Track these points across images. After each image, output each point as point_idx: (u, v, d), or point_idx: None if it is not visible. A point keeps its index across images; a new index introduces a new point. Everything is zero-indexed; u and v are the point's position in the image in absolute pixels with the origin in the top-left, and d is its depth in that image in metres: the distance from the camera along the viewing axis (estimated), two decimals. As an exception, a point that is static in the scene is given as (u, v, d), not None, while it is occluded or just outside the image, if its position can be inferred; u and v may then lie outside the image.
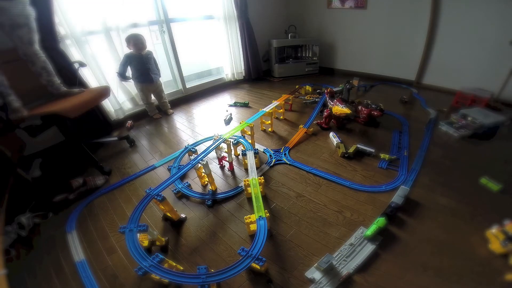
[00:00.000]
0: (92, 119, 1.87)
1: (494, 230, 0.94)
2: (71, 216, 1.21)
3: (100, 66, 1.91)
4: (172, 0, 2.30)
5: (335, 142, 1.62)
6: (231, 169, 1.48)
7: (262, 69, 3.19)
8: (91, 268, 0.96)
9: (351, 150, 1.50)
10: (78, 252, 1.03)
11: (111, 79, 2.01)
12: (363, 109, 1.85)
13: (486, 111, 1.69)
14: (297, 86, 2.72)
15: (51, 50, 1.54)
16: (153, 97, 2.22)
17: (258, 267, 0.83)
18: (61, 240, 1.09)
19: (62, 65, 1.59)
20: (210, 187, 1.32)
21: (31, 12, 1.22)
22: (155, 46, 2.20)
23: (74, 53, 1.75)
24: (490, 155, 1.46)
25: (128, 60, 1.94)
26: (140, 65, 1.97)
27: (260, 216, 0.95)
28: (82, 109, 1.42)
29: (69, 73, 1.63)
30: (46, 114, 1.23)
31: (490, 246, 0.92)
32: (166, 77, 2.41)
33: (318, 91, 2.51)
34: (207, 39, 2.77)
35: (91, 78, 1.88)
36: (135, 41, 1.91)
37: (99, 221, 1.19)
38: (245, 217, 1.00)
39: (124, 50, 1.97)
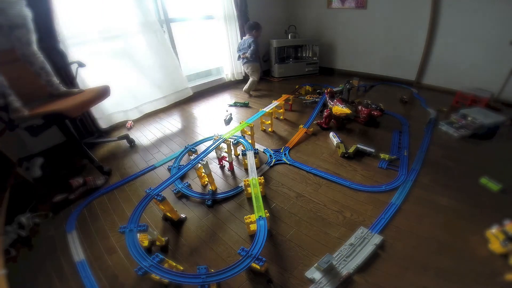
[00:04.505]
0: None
1: (494, 230, 0.94)
2: (71, 216, 1.21)
3: (102, 66, 1.91)
4: (172, 0, 2.30)
5: (335, 142, 1.62)
6: (231, 169, 1.48)
7: (262, 69, 3.19)
8: (91, 268, 0.96)
9: (351, 150, 1.50)
10: (78, 252, 1.03)
11: (115, 79, 2.01)
12: (363, 109, 1.84)
13: (486, 111, 1.69)
14: (297, 86, 2.72)
15: (51, 50, 1.54)
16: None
17: (258, 267, 0.83)
18: (61, 240, 1.10)
19: (61, 65, 1.59)
20: (210, 187, 1.32)
21: (28, 13, 1.22)
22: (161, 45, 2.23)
23: (73, 53, 1.74)
24: (490, 155, 1.46)
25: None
26: (258, 48, 2.49)
27: (260, 216, 0.95)
28: (84, 108, 1.44)
29: (68, 73, 1.63)
30: (49, 113, 1.23)
31: (490, 246, 0.92)
32: (166, 76, 2.40)
33: (318, 91, 2.51)
34: (207, 39, 2.76)
35: (93, 78, 1.87)
36: (260, 28, 2.47)
37: (99, 221, 1.19)
38: (245, 217, 1.00)
39: (125, 50, 1.97)
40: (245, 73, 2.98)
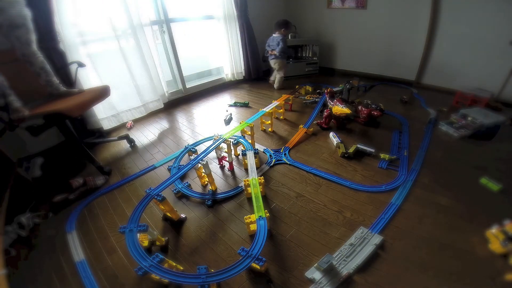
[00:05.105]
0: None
1: (494, 230, 0.94)
2: (71, 216, 1.21)
3: (102, 66, 1.90)
4: (172, 0, 2.30)
5: (335, 142, 1.62)
6: (231, 169, 1.48)
7: (262, 69, 3.19)
8: (91, 268, 0.96)
9: (351, 150, 1.50)
10: (78, 252, 1.03)
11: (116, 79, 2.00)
12: (363, 109, 1.84)
13: (486, 111, 1.68)
14: (297, 86, 2.72)
15: (51, 50, 1.54)
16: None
17: (258, 267, 0.83)
18: (61, 240, 1.10)
19: (61, 65, 1.60)
20: (210, 187, 1.32)
21: (28, 13, 1.22)
22: (157, 46, 2.21)
23: (74, 53, 1.74)
24: (490, 155, 1.46)
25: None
26: (286, 45, 2.58)
27: (260, 216, 0.95)
28: (84, 108, 1.45)
29: (68, 73, 1.64)
30: (50, 113, 1.23)
31: (490, 246, 0.92)
32: (166, 77, 2.41)
33: (318, 91, 2.51)
34: (207, 39, 2.77)
35: (93, 78, 1.87)
36: (290, 26, 2.54)
37: (99, 221, 1.19)
38: (245, 217, 1.00)
39: (124, 50, 1.97)
40: (246, 70, 2.99)
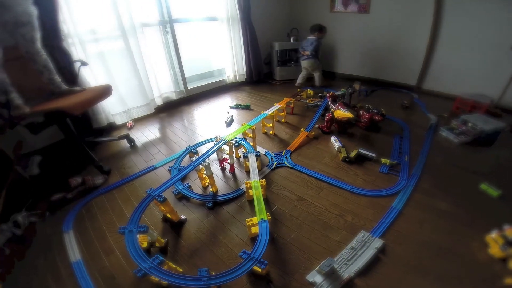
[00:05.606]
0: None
1: (493, 235, 0.95)
2: (68, 216, 1.20)
3: (104, 65, 1.90)
4: (176, 0, 2.31)
5: (336, 146, 1.62)
6: (232, 171, 1.47)
7: (264, 72, 3.20)
8: (87, 269, 0.94)
9: (352, 154, 1.50)
10: (74, 252, 1.01)
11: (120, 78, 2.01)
12: (365, 113, 1.85)
13: (486, 117, 1.70)
14: (298, 90, 2.73)
15: (54, 48, 1.54)
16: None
17: (259, 270, 0.83)
18: (57, 239, 1.08)
19: (65, 64, 1.59)
20: (211, 189, 1.31)
21: (34, 11, 1.22)
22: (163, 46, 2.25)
23: (76, 52, 1.73)
24: (490, 161, 1.47)
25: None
26: (319, 46, 2.68)
27: (262, 219, 0.94)
28: (86, 106, 1.44)
29: (72, 72, 1.63)
30: (51, 111, 1.22)
31: (490, 251, 0.92)
32: (168, 77, 2.41)
33: (319, 94, 2.52)
34: (209, 40, 2.77)
35: (96, 77, 1.87)
36: (324, 30, 2.64)
37: (97, 221, 1.17)
38: (246, 219, 0.99)
39: (126, 49, 1.97)
40: (248, 73, 3.00)
